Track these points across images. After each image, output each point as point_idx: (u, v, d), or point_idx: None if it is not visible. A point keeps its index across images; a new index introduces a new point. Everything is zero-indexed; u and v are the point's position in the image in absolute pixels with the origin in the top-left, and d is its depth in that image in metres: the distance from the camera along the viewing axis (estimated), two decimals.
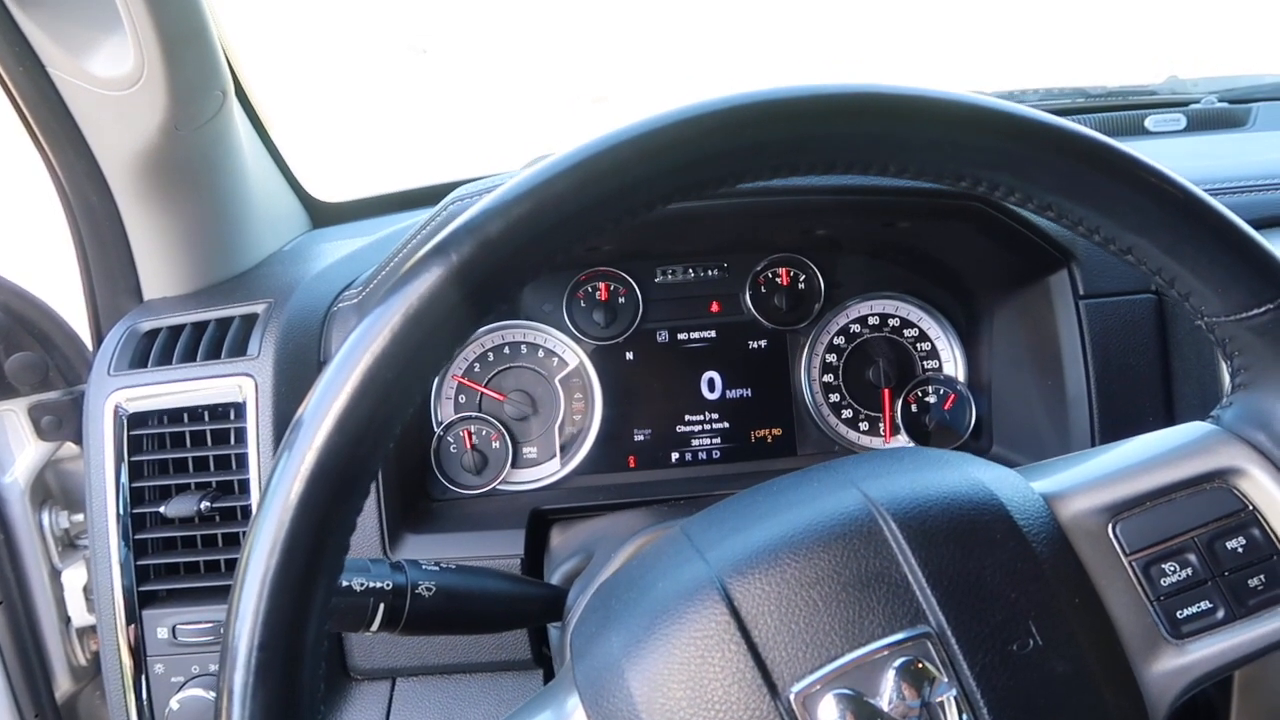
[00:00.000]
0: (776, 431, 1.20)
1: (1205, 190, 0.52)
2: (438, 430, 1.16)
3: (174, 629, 1.00)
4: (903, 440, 1.19)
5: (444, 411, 1.18)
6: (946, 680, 0.48)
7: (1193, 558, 0.54)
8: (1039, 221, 1.00)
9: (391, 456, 1.00)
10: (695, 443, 1.20)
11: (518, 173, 0.48)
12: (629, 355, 1.20)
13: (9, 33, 0.93)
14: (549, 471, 1.18)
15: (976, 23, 6.77)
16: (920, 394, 1.19)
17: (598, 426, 1.18)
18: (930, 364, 1.20)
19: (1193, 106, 1.46)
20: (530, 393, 1.18)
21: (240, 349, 1.04)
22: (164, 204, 1.07)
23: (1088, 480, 0.56)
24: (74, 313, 1.16)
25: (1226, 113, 1.45)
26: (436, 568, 0.76)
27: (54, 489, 1.18)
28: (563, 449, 1.18)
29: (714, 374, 1.20)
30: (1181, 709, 0.54)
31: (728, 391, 1.20)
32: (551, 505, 1.09)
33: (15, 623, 1.13)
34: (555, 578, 0.99)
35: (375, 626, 0.71)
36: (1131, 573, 0.54)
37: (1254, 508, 0.55)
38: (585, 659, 0.54)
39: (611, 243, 1.13)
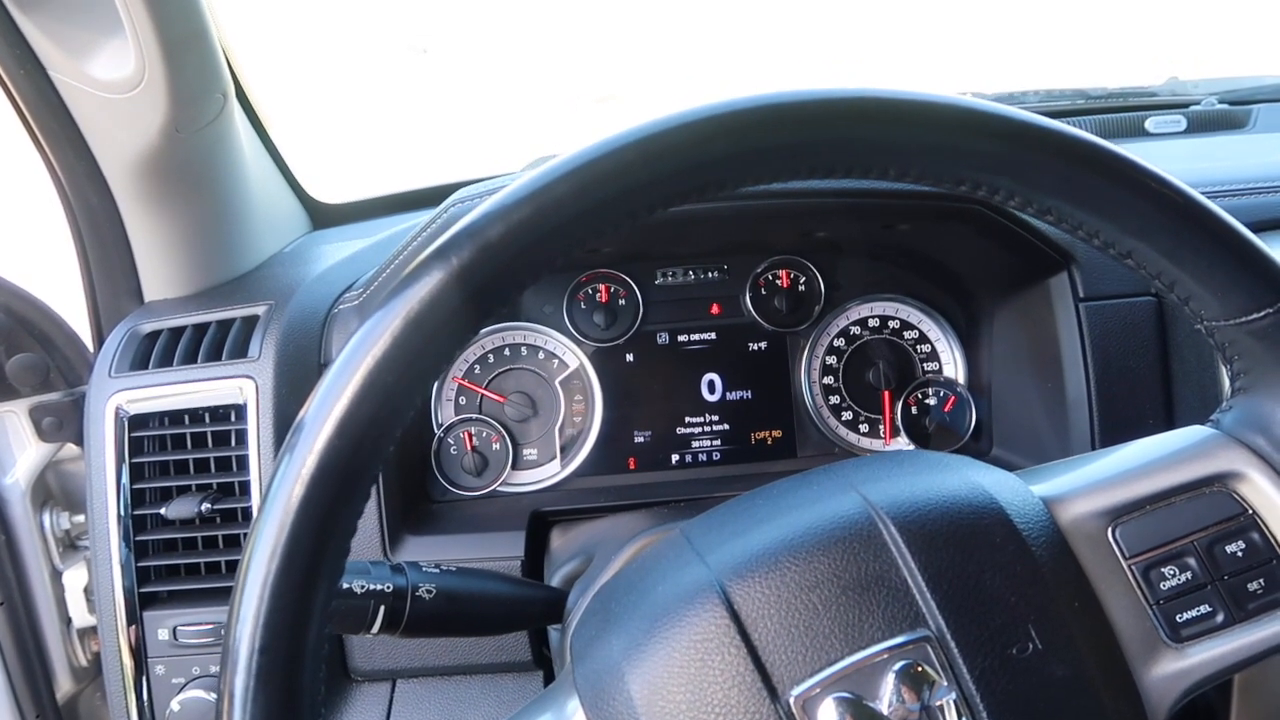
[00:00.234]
0: (777, 433, 1.20)
1: (1205, 193, 0.52)
2: (438, 432, 1.17)
3: (175, 630, 1.00)
4: (903, 442, 1.19)
5: (444, 413, 1.18)
6: (946, 684, 0.48)
7: (1192, 561, 0.54)
8: (1039, 224, 1.00)
9: (392, 458, 1.00)
10: (695, 444, 1.20)
11: (519, 175, 0.48)
12: (629, 357, 1.20)
13: (10, 36, 0.93)
14: (549, 473, 1.18)
15: (976, 24, 6.77)
16: (920, 396, 1.19)
17: (598, 428, 1.18)
18: (930, 366, 1.21)
19: (1193, 108, 1.46)
20: (530, 394, 1.18)
21: (241, 351, 1.04)
22: (165, 206, 1.07)
23: (1087, 484, 0.56)
24: (75, 314, 1.16)
25: (1227, 114, 1.45)
26: (437, 570, 0.76)
27: (55, 490, 1.18)
28: (563, 451, 1.18)
29: (714, 376, 1.20)
30: (1181, 712, 0.54)
31: (728, 393, 1.20)
32: (552, 507, 1.10)
33: (16, 623, 1.13)
34: (555, 580, 0.99)
35: (376, 629, 0.71)
36: (1131, 576, 0.54)
37: (1253, 512, 0.55)
38: (585, 661, 0.54)
39: (612, 245, 1.13)
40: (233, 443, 1.03)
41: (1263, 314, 0.53)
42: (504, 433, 1.17)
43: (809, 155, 0.50)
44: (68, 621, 1.17)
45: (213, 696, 0.98)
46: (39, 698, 1.16)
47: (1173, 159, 1.21)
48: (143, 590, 1.01)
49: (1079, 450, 1.01)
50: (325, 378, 0.45)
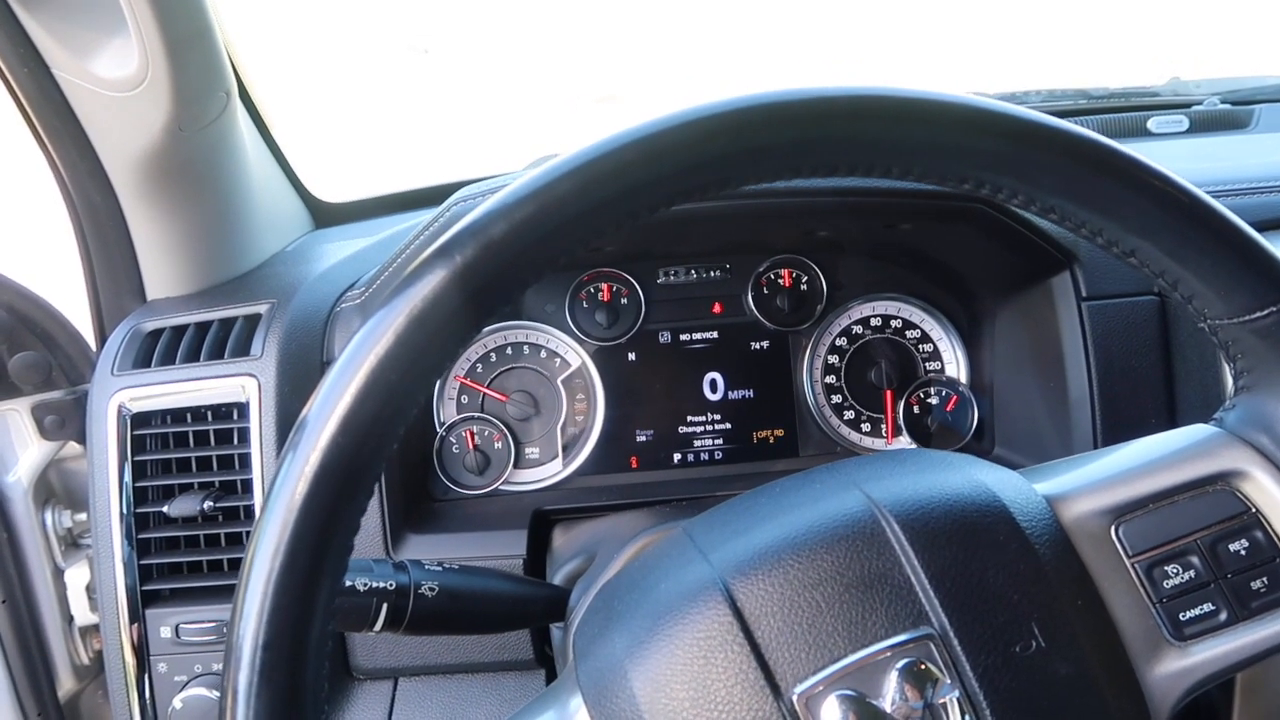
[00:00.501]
0: (779, 432, 1.20)
1: (1208, 192, 0.52)
2: (440, 430, 1.17)
3: (177, 628, 1.00)
4: (905, 441, 1.19)
5: (446, 412, 1.18)
6: (949, 682, 0.48)
7: (1195, 560, 0.54)
8: (1041, 223, 1.00)
9: (394, 457, 1.00)
10: (697, 443, 1.20)
11: (521, 174, 0.48)
12: (631, 356, 1.20)
13: (13, 34, 0.93)
14: (551, 472, 1.18)
15: (979, 24, 6.77)
16: (922, 395, 1.19)
17: (600, 427, 1.18)
18: (932, 365, 1.21)
19: (1195, 108, 1.46)
20: (532, 393, 1.18)
21: (243, 349, 1.04)
22: (167, 204, 1.07)
23: (1090, 482, 0.56)
24: (78, 312, 1.16)
25: (1229, 114, 1.45)
26: (439, 568, 0.76)
27: (57, 488, 1.18)
28: (565, 449, 1.18)
29: (716, 375, 1.20)
30: (1183, 712, 0.54)
31: (730, 392, 1.20)
32: (554, 506, 1.10)
33: (18, 621, 1.13)
34: (558, 578, 0.99)
35: (378, 626, 0.71)
36: (1134, 575, 0.54)
37: (1257, 510, 0.55)
38: (588, 659, 0.54)
39: (614, 244, 1.13)
40: (235, 441, 1.03)
41: (1266, 312, 0.53)
42: (506, 431, 1.17)
43: (811, 153, 0.50)
44: (69, 619, 1.17)
45: (215, 694, 0.98)
46: (41, 696, 1.16)
47: (1175, 159, 1.20)
48: (145, 588, 1.01)
49: (1081, 450, 1.00)
50: (329, 375, 0.45)
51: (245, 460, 1.02)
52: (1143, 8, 6.42)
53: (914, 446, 1.18)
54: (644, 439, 1.19)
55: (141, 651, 1.01)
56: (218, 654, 1.00)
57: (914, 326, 1.21)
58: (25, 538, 1.14)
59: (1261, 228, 0.53)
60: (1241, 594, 0.54)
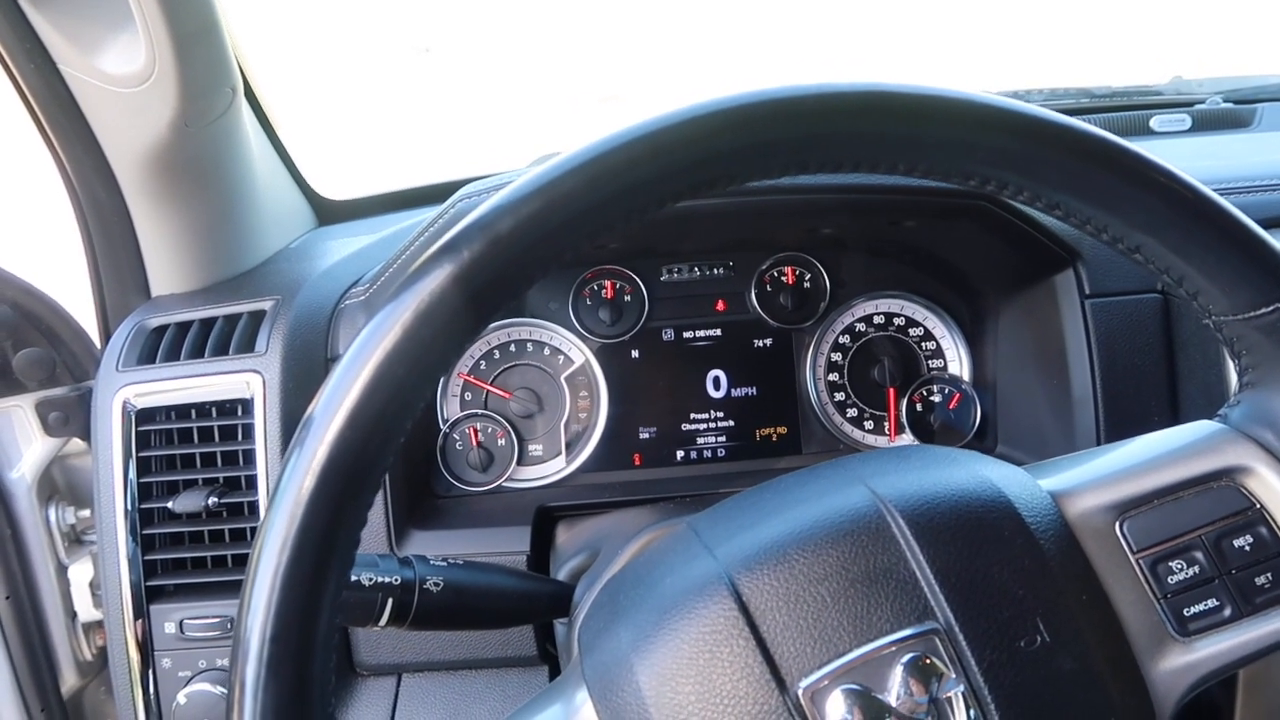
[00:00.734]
0: (782, 430, 1.21)
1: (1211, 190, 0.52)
2: (444, 427, 1.17)
3: (181, 623, 1.01)
4: (907, 439, 1.19)
5: (450, 409, 1.18)
6: (954, 676, 0.49)
7: (1200, 555, 0.54)
8: (1045, 220, 1.00)
9: (398, 453, 1.00)
10: (700, 441, 1.20)
11: (526, 171, 0.49)
12: (634, 353, 1.20)
13: (20, 30, 0.93)
14: (554, 469, 1.18)
15: (981, 23, 6.76)
16: (925, 393, 1.20)
17: (603, 424, 1.18)
18: (935, 363, 1.21)
19: (1198, 107, 1.46)
20: (536, 390, 1.18)
21: (248, 345, 1.04)
22: (172, 201, 1.07)
23: (1095, 478, 0.56)
24: (82, 309, 1.16)
25: (1232, 113, 1.45)
26: (444, 563, 0.76)
27: (60, 485, 1.19)
28: (568, 446, 1.18)
29: (719, 372, 1.20)
30: (1186, 710, 0.54)
31: (733, 390, 1.20)
32: (557, 502, 1.10)
33: (22, 618, 1.13)
34: (561, 574, 1.00)
35: (384, 621, 0.72)
36: (1139, 570, 0.54)
37: (1261, 506, 0.55)
38: (594, 653, 0.54)
39: (617, 241, 1.13)
40: (239, 437, 1.03)
41: (1271, 309, 0.53)
42: (509, 428, 1.17)
43: (818, 149, 0.50)
44: (73, 616, 1.17)
45: (219, 689, 0.98)
46: (44, 692, 1.16)
47: (1178, 157, 1.19)
48: (149, 584, 1.01)
49: (1084, 448, 1.01)
50: (336, 368, 0.45)
51: (250, 456, 1.02)
52: (1145, 7, 6.42)
53: (918, 443, 1.18)
54: (647, 436, 1.20)
55: (146, 647, 1.01)
56: (222, 649, 1.00)
57: (917, 324, 1.21)
58: (29, 534, 1.14)
59: (1264, 226, 0.53)
60: (1246, 590, 0.54)
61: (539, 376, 1.19)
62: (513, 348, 1.19)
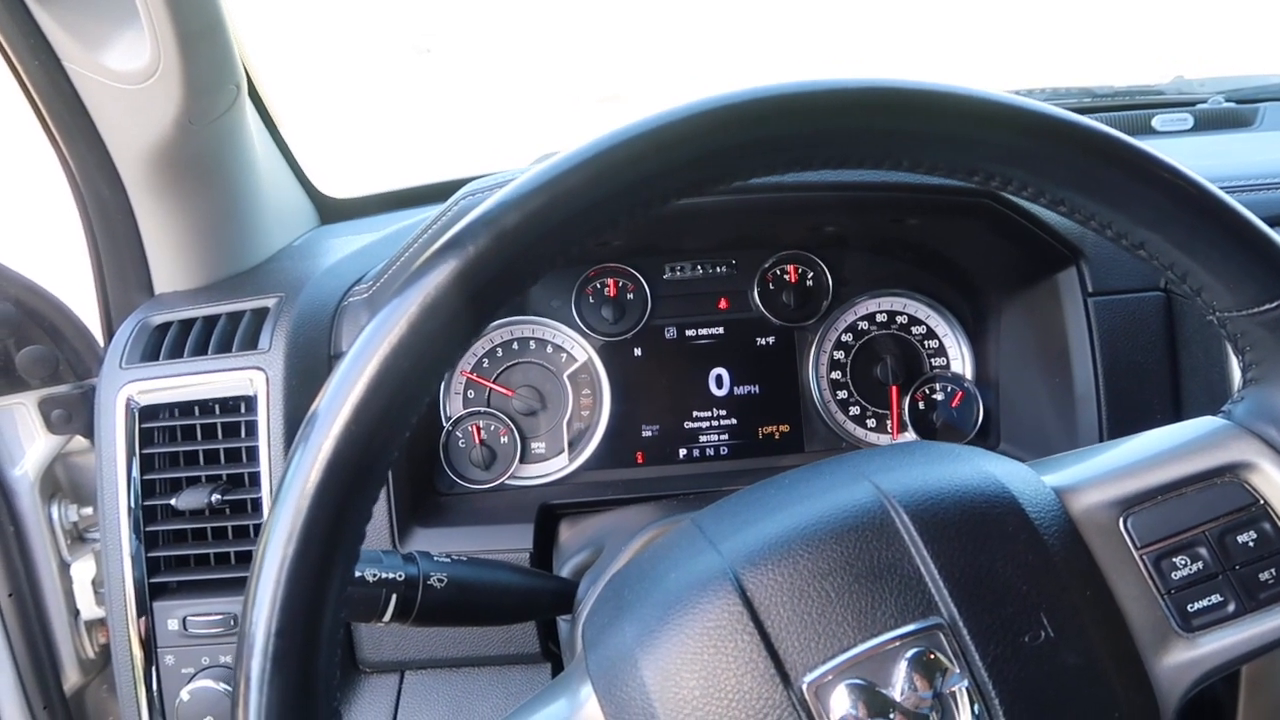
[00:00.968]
0: (784, 428, 1.21)
1: None
2: (446, 425, 1.17)
3: (184, 620, 1.01)
4: (910, 437, 1.20)
5: (453, 406, 1.18)
6: (959, 671, 0.49)
7: (1203, 551, 0.54)
8: (1048, 218, 1.00)
9: (402, 449, 1.01)
10: (703, 439, 1.20)
11: (529, 168, 0.49)
12: (637, 351, 1.20)
13: (25, 26, 0.93)
14: (557, 467, 1.18)
15: (983, 23, 6.76)
16: (928, 391, 1.20)
17: (606, 422, 1.18)
18: (938, 361, 1.21)
19: (1200, 106, 1.46)
20: (539, 388, 1.18)
21: (251, 343, 1.04)
22: (176, 198, 1.08)
23: (1099, 474, 0.56)
24: (85, 307, 1.16)
25: (1233, 113, 1.45)
26: (448, 559, 0.76)
27: (63, 482, 1.19)
28: (571, 444, 1.18)
29: (722, 370, 1.20)
30: (1188, 707, 0.54)
31: (735, 388, 1.20)
32: (560, 500, 1.10)
33: (25, 615, 1.14)
34: (565, 571, 1.00)
35: (388, 617, 0.72)
36: (1142, 566, 0.54)
37: (1265, 502, 0.55)
38: (598, 649, 0.54)
39: (620, 239, 1.13)
40: (243, 434, 1.03)
41: (1275, 304, 0.53)
42: (512, 426, 1.17)
43: (823, 145, 0.50)
44: (75, 614, 1.17)
45: (222, 686, 0.98)
46: (47, 690, 1.16)
47: (1179, 156, 1.18)
48: (152, 581, 1.02)
49: (1087, 445, 1.01)
50: (342, 362, 0.45)
51: (253, 453, 1.02)
52: (1147, 6, 6.42)
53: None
54: (650, 434, 1.20)
55: (149, 644, 1.02)
56: (225, 646, 1.01)
57: (919, 322, 1.21)
58: (31, 532, 1.14)
59: (1266, 223, 0.54)
60: (1249, 585, 0.54)
61: (542, 374, 1.19)
62: (515, 346, 1.19)
